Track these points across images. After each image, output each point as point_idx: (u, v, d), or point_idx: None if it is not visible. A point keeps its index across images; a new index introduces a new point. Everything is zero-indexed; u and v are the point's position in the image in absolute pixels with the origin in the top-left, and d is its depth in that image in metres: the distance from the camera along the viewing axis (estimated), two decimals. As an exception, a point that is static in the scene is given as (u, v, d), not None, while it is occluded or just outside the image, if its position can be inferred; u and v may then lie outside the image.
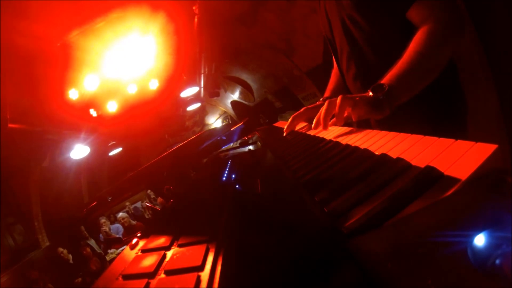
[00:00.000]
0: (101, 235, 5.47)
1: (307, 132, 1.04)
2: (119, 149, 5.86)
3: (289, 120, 1.09)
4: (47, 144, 4.46)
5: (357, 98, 0.72)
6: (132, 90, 4.52)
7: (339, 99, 0.72)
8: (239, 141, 1.61)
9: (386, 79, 0.73)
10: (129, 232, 5.38)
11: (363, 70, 0.99)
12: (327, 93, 1.23)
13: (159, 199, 6.00)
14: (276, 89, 5.59)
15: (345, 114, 0.73)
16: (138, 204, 6.85)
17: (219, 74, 6.12)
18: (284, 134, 1.09)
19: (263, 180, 0.79)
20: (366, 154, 0.54)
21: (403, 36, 0.79)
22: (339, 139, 0.74)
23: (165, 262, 0.49)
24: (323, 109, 0.76)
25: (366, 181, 0.43)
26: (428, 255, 0.25)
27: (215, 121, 8.27)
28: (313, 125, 0.79)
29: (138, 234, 0.68)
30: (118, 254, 4.10)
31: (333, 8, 0.99)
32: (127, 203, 6.72)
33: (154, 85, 4.69)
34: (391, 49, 0.85)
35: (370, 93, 0.71)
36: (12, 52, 2.94)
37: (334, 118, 0.74)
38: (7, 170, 4.21)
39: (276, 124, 1.84)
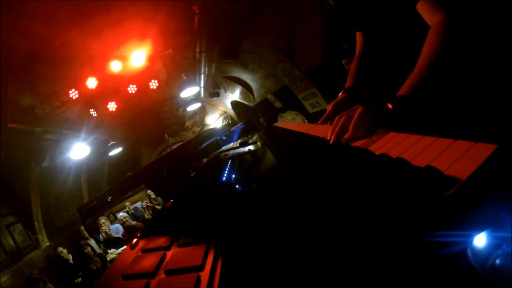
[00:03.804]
0: (100, 235, 5.47)
1: (307, 132, 1.04)
2: (119, 149, 5.86)
3: (322, 119, 1.03)
4: (47, 144, 4.46)
5: (371, 117, 0.68)
6: (132, 90, 4.52)
7: (354, 119, 0.69)
8: (239, 141, 1.61)
9: (406, 90, 0.72)
10: (129, 232, 5.38)
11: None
12: (349, 82, 1.16)
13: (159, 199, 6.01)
14: (276, 89, 5.59)
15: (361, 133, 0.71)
16: (138, 204, 6.85)
17: (219, 74, 6.12)
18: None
19: (262, 180, 0.79)
20: (366, 154, 0.54)
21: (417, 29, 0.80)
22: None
23: (165, 262, 0.49)
24: (339, 125, 0.73)
25: (365, 182, 0.43)
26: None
27: (215, 121, 8.26)
28: (329, 137, 0.75)
29: (138, 234, 0.68)
30: (118, 254, 4.10)
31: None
32: (127, 203, 6.72)
33: (154, 85, 4.68)
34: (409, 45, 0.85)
35: (389, 105, 0.70)
36: (12, 52, 2.94)
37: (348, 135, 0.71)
38: (7, 170, 4.21)
39: (276, 124, 1.84)
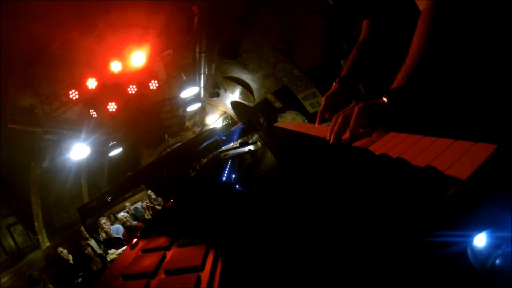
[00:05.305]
0: (101, 236, 5.48)
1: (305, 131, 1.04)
2: (119, 149, 5.86)
3: (319, 116, 1.00)
4: (47, 145, 4.46)
5: (369, 114, 0.68)
6: (132, 91, 4.52)
7: (353, 116, 0.69)
8: (239, 141, 1.61)
9: (400, 82, 0.71)
10: (130, 232, 5.38)
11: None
12: (345, 70, 1.13)
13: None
14: (276, 89, 5.59)
15: (361, 130, 0.70)
16: (138, 205, 6.85)
17: (219, 74, 6.12)
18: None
19: (262, 180, 0.79)
20: (366, 154, 0.54)
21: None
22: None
23: (165, 262, 0.49)
24: (337, 124, 0.72)
25: (365, 181, 0.43)
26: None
27: (215, 121, 8.27)
28: (328, 137, 0.74)
29: (138, 234, 0.68)
30: (119, 254, 4.09)
31: None
32: (127, 204, 6.72)
33: (154, 85, 4.68)
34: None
35: (385, 99, 0.69)
36: (12, 52, 2.94)
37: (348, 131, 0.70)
38: (7, 171, 4.21)
39: (276, 124, 1.84)
